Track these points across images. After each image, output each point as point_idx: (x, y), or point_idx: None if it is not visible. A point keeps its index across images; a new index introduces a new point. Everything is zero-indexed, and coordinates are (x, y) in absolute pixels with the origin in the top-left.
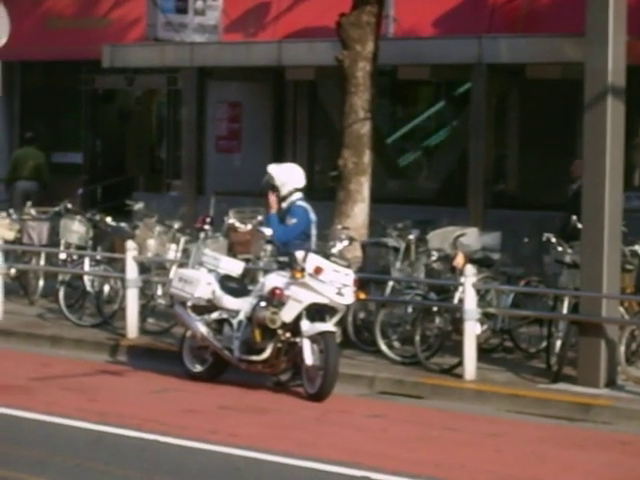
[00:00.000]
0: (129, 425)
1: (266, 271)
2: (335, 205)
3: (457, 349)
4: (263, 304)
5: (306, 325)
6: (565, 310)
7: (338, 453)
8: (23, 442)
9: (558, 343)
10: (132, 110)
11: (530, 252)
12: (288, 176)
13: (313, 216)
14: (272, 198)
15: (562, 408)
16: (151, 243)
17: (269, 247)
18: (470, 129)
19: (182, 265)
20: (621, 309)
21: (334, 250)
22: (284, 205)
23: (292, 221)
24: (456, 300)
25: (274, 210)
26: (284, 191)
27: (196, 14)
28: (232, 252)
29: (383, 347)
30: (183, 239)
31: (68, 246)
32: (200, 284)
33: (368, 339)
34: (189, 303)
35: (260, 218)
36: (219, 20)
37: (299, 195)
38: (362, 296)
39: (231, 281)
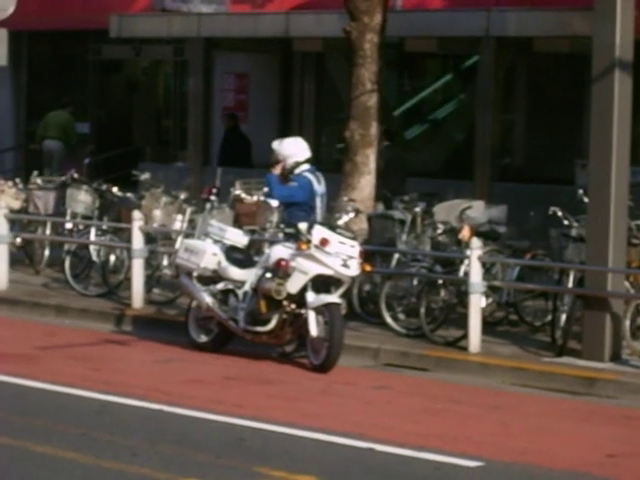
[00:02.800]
0: (134, 395)
1: (272, 242)
2: (341, 177)
3: (462, 322)
4: (269, 275)
5: (311, 297)
6: (570, 284)
7: (343, 424)
8: (28, 411)
9: (563, 317)
10: (139, 80)
11: (536, 225)
12: (291, 149)
13: (320, 188)
14: (277, 166)
15: (566, 382)
16: (157, 213)
17: (275, 218)
18: (477, 102)
19: (188, 236)
20: (626, 283)
21: (340, 222)
22: (291, 177)
23: (292, 184)
24: (461, 273)
25: (276, 172)
26: (289, 164)
27: None
28: (238, 223)
29: (388, 319)
30: (189, 210)
31: (74, 216)
32: (206, 255)
33: (373, 311)
34: (195, 274)
35: (266, 189)
36: None
37: (306, 167)
38: (367, 268)
39: (237, 252)
